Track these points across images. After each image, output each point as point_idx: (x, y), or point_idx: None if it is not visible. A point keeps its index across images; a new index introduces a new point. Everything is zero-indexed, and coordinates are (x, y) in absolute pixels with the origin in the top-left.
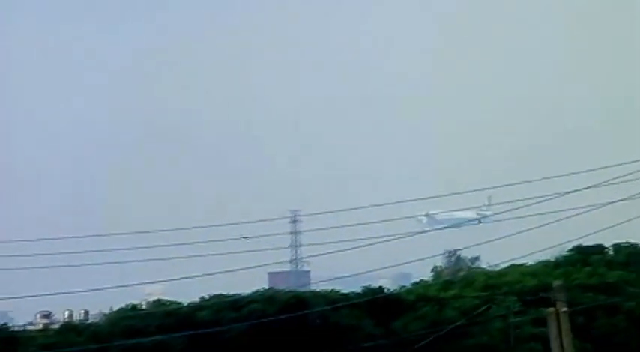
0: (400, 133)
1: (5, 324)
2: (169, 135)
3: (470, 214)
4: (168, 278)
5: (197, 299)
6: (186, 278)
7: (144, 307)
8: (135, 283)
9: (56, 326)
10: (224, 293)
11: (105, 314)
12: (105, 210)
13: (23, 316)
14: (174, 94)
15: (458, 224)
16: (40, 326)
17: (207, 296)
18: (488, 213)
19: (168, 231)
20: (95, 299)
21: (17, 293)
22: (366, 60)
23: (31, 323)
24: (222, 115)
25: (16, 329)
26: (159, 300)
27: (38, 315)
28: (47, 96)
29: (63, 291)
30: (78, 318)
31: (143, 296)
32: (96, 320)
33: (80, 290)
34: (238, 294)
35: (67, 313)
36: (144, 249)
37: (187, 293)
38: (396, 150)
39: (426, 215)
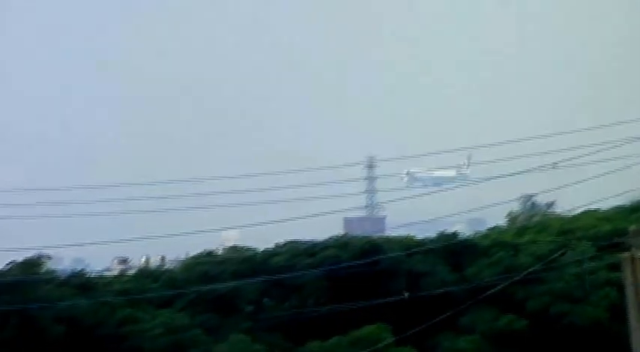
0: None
1: (82, 270)
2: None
3: (450, 173)
4: (244, 225)
5: (272, 246)
6: (262, 224)
7: (220, 253)
8: (211, 229)
9: (132, 272)
10: (299, 239)
11: (181, 261)
12: (183, 156)
13: (99, 262)
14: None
15: (438, 183)
16: (117, 272)
17: (282, 243)
18: (467, 171)
19: (244, 177)
20: (172, 245)
21: (93, 239)
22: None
23: (107, 269)
24: (303, 57)
25: (92, 275)
26: (234, 247)
27: (115, 261)
28: None
29: (139, 237)
30: (154, 264)
31: (219, 242)
32: (172, 267)
33: (157, 235)
34: (313, 240)
35: (143, 259)
36: (221, 194)
37: (263, 240)
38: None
39: (407, 173)
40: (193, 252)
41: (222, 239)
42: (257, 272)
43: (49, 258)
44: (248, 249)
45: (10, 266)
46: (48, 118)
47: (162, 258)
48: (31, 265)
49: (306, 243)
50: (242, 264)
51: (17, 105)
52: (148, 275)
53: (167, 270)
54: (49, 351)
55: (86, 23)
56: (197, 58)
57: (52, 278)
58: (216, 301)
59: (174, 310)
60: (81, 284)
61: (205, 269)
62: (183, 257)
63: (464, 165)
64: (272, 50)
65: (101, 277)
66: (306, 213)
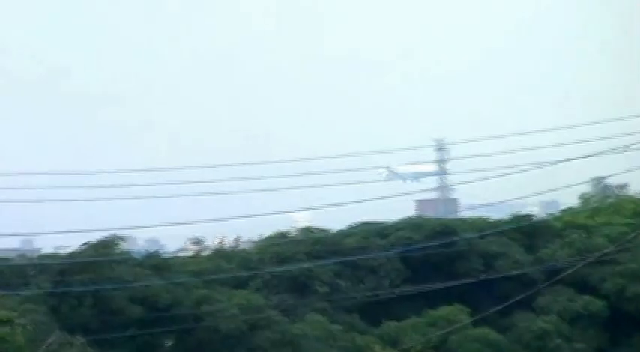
0: None
1: (156, 251)
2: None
3: (430, 167)
4: (317, 206)
5: (344, 227)
6: (335, 205)
7: (292, 234)
8: (283, 211)
9: (206, 253)
10: (371, 220)
11: (254, 242)
12: (258, 138)
13: (174, 243)
14: None
15: (417, 177)
16: (191, 253)
17: (354, 224)
18: (447, 166)
19: (315, 159)
20: (245, 226)
21: (168, 220)
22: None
23: (181, 250)
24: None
25: (167, 255)
26: (307, 228)
27: (189, 242)
28: None
29: (213, 218)
30: (228, 245)
31: (291, 224)
32: (246, 247)
33: (230, 217)
34: (386, 222)
35: (217, 240)
36: (293, 176)
37: (334, 221)
38: None
39: (387, 168)
40: (266, 234)
41: (293, 220)
42: (330, 253)
43: (123, 239)
44: (321, 231)
45: (84, 247)
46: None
47: (236, 239)
48: (106, 246)
49: (379, 224)
50: (315, 245)
51: None
52: (222, 256)
53: (241, 251)
54: (125, 331)
55: None
56: None
57: (126, 259)
58: (291, 282)
59: (249, 290)
60: (156, 264)
61: (279, 250)
62: (256, 238)
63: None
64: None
65: (176, 258)
66: (376, 196)
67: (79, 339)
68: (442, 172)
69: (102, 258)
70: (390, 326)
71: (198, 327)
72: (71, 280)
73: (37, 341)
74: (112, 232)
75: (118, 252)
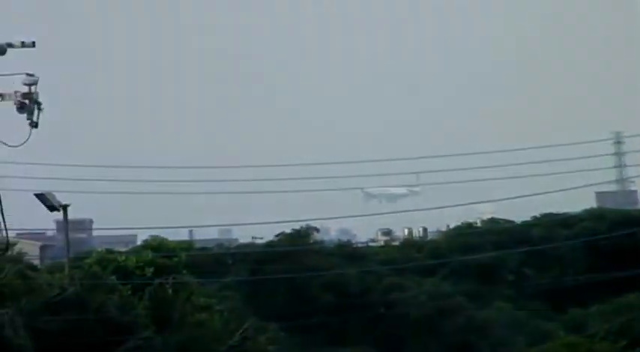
0: None
1: (349, 241)
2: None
3: (402, 190)
4: (503, 198)
5: (528, 218)
6: (520, 197)
7: (478, 225)
8: (469, 202)
9: (396, 243)
10: (554, 212)
11: (442, 232)
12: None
13: (365, 233)
14: None
15: (393, 198)
16: (382, 243)
17: (538, 215)
18: (417, 189)
19: (494, 153)
20: (433, 217)
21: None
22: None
23: (372, 241)
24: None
25: (359, 245)
26: (493, 219)
27: (379, 233)
28: None
29: (399, 210)
30: (417, 236)
31: (476, 215)
32: (434, 237)
33: (417, 209)
34: (568, 213)
35: (406, 231)
36: (483, 168)
37: (517, 213)
38: None
39: (362, 190)
40: (452, 225)
41: (477, 212)
42: (516, 243)
43: (317, 229)
44: (507, 221)
45: (279, 237)
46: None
47: (424, 230)
48: (300, 236)
49: (561, 215)
50: (501, 235)
51: None
52: (411, 245)
53: (430, 241)
54: (317, 318)
55: None
56: None
57: (320, 249)
58: (478, 270)
59: (437, 278)
60: (348, 253)
61: (466, 240)
62: (443, 229)
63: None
64: None
65: (367, 247)
66: (557, 188)
67: (273, 325)
68: (620, 164)
69: (296, 248)
70: (575, 312)
71: (389, 314)
72: (267, 268)
73: (232, 327)
74: (306, 223)
75: (311, 241)
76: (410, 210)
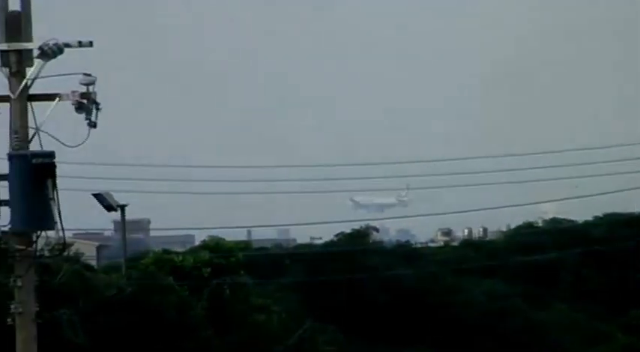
0: None
1: (407, 241)
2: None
3: (390, 200)
4: (565, 198)
5: (590, 218)
6: (581, 197)
7: (539, 225)
8: (530, 202)
9: (455, 243)
10: (618, 211)
11: (502, 232)
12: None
13: (425, 234)
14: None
15: (381, 208)
16: (441, 243)
17: (600, 215)
18: (405, 198)
19: (558, 152)
20: (493, 217)
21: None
22: None
23: (432, 241)
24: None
25: (418, 245)
26: (554, 218)
27: (439, 233)
28: None
29: (462, 210)
30: (477, 236)
31: (538, 214)
32: (494, 238)
33: (478, 208)
34: (632, 212)
35: (466, 231)
36: (538, 169)
37: (578, 212)
38: None
39: (351, 200)
40: (513, 224)
41: (540, 211)
42: (576, 243)
43: (376, 229)
44: (568, 221)
45: (338, 237)
46: None
47: (484, 230)
48: (359, 236)
49: (625, 214)
50: (561, 235)
51: None
52: (470, 246)
53: (489, 241)
54: (376, 317)
55: None
56: None
57: (379, 249)
58: (536, 271)
59: (496, 279)
60: (407, 254)
61: (526, 240)
62: (504, 229)
63: (404, 195)
64: None
65: (426, 247)
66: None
67: (330, 327)
68: None
69: (355, 248)
70: (635, 314)
71: (446, 314)
72: (325, 269)
73: (290, 328)
74: (365, 223)
75: (370, 242)
76: (469, 210)
